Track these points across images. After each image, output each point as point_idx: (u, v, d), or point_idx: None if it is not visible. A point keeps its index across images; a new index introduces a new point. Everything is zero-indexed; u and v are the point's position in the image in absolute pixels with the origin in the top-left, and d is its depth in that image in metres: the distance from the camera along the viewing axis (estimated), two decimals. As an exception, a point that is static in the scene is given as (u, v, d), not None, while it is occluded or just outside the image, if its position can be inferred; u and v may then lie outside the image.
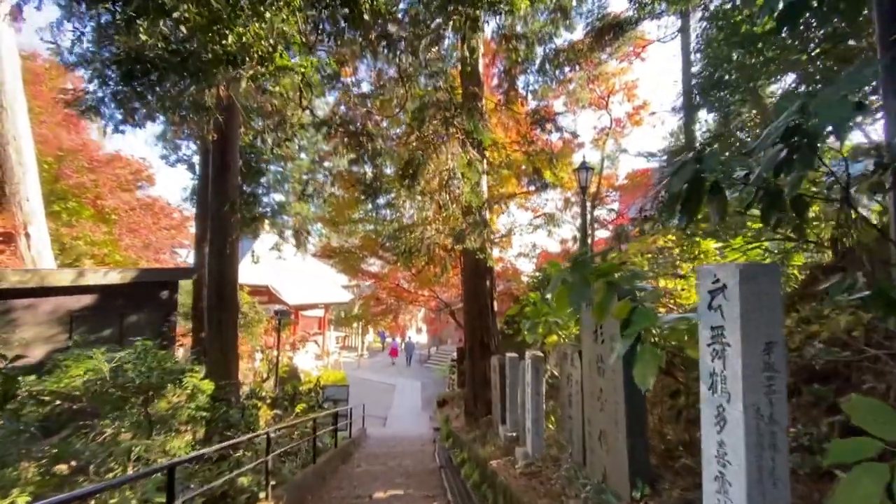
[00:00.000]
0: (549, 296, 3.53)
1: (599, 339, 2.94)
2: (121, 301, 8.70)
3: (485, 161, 10.13)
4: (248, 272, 21.97)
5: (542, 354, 4.76)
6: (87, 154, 15.60)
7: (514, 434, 6.20)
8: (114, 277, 8.61)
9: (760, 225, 2.89)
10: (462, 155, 5.77)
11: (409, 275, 13.84)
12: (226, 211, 6.79)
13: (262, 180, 11.63)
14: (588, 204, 13.35)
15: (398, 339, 25.54)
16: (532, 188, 11.75)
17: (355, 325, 23.79)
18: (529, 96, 10.24)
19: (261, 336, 14.29)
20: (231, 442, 4.78)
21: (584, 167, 7.53)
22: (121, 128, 5.44)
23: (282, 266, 25.24)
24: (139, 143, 65.30)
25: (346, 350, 28.40)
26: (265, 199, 12.32)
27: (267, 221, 32.90)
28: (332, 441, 8.70)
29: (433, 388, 19.23)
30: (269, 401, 7.26)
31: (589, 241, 13.06)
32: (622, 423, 2.63)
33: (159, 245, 18.08)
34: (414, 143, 6.02)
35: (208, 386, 6.47)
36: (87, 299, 8.31)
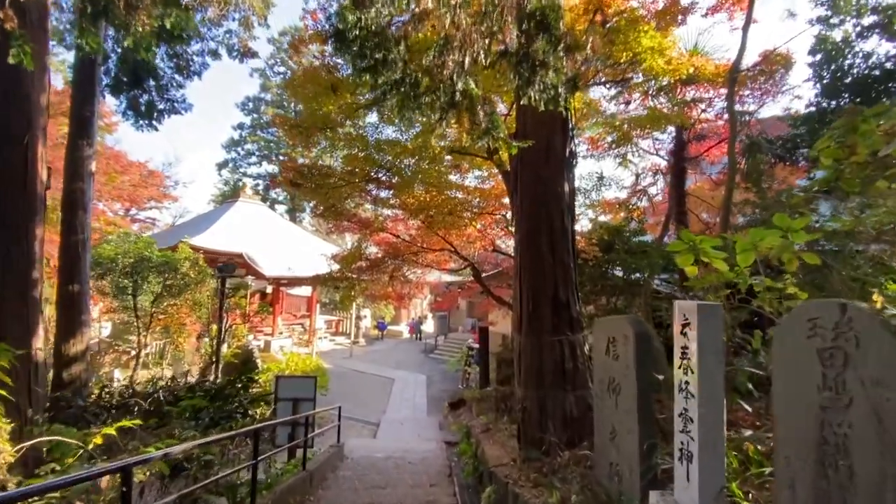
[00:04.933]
0: None
1: None
2: None
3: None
4: (220, 239, 18.13)
5: None
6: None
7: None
8: None
9: None
10: None
11: (413, 225, 9.79)
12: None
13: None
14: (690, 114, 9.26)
15: (413, 320, 29.24)
16: (610, 86, 7.65)
17: (349, 304, 19.86)
18: None
19: (207, 305, 10.37)
20: None
21: None
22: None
23: (263, 235, 21.33)
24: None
25: (339, 336, 24.46)
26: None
27: (249, 189, 28.55)
28: (272, 477, 4.75)
29: (441, 385, 15.48)
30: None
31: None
32: None
33: (102, 197, 14.22)
34: None
35: None
36: None
